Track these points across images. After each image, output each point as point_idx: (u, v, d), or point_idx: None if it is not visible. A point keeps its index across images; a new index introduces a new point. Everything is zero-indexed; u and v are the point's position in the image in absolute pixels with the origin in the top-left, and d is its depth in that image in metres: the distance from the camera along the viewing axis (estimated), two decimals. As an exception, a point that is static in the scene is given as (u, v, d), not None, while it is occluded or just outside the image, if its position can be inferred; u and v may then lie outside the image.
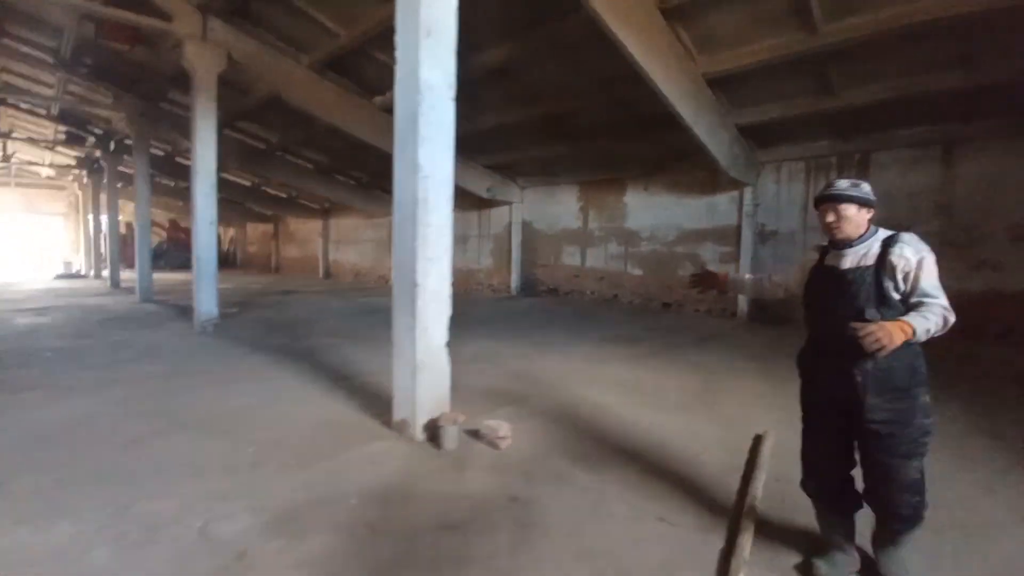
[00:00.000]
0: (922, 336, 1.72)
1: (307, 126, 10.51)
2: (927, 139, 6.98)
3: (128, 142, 14.89)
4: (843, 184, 1.93)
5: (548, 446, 3.18)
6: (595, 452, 3.12)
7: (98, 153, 15.08)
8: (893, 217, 7.26)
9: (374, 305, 10.43)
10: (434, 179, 3.10)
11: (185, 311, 8.73)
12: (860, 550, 2.05)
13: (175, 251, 23.95)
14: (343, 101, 8.57)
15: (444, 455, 3.04)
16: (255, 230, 24.45)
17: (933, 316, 1.73)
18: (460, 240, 13.83)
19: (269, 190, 17.74)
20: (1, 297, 11.25)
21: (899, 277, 1.81)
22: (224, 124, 11.61)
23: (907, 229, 1.96)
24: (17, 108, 12.93)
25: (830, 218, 1.92)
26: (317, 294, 12.97)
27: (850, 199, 1.89)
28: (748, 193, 8.55)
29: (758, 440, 3.24)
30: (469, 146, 9.94)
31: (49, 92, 11.57)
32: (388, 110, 9.11)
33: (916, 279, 1.80)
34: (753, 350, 6.06)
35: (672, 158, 9.09)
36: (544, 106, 8.02)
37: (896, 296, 1.82)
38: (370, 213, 16.25)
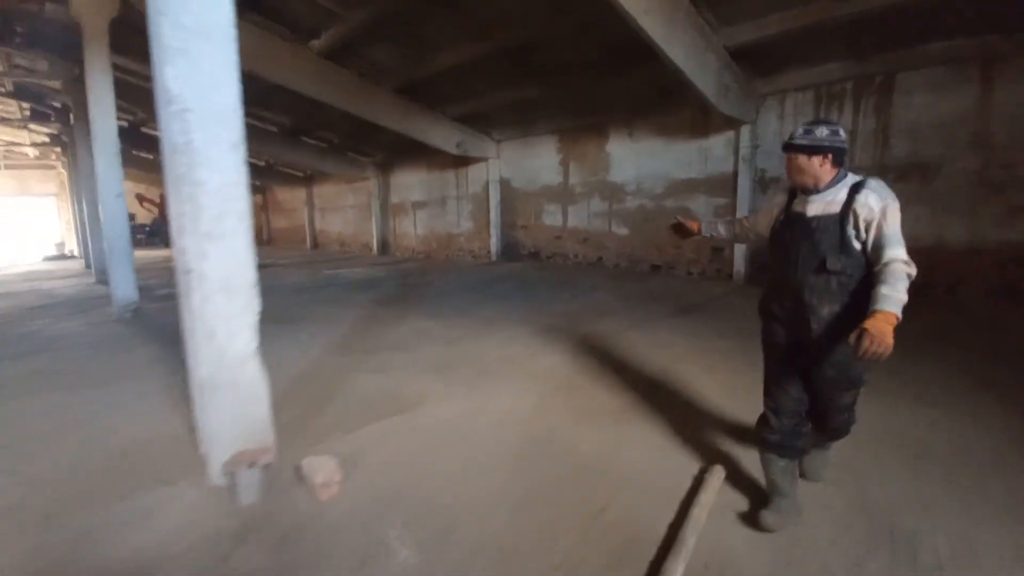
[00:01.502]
0: (902, 305, 1.66)
1: (249, 82, 9.41)
2: (962, 55, 5.56)
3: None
4: (798, 131, 1.88)
5: (392, 493, 2.28)
6: (455, 505, 2.21)
7: (59, 129, 14.28)
8: (920, 153, 5.95)
9: (333, 279, 9.58)
10: (199, 114, 2.09)
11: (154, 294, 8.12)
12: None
13: (166, 227, 23.52)
14: (270, 47, 7.43)
15: (238, 511, 2.18)
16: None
17: (901, 283, 1.68)
18: (438, 202, 12.79)
19: (249, 159, 16.77)
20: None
21: (861, 226, 1.79)
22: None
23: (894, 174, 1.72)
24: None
25: (788, 166, 1.93)
26: (288, 267, 12.20)
27: (799, 148, 1.86)
28: (745, 133, 7.24)
29: (699, 481, 2.28)
30: (427, 93, 8.79)
31: (-3, 67, 10.67)
32: (330, 56, 8.04)
33: (879, 228, 1.76)
34: (740, 322, 5.00)
35: (656, 96, 7.77)
36: (498, 37, 6.76)
37: (857, 245, 1.81)
38: (349, 178, 15.25)
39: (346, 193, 16.24)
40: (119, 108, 12.09)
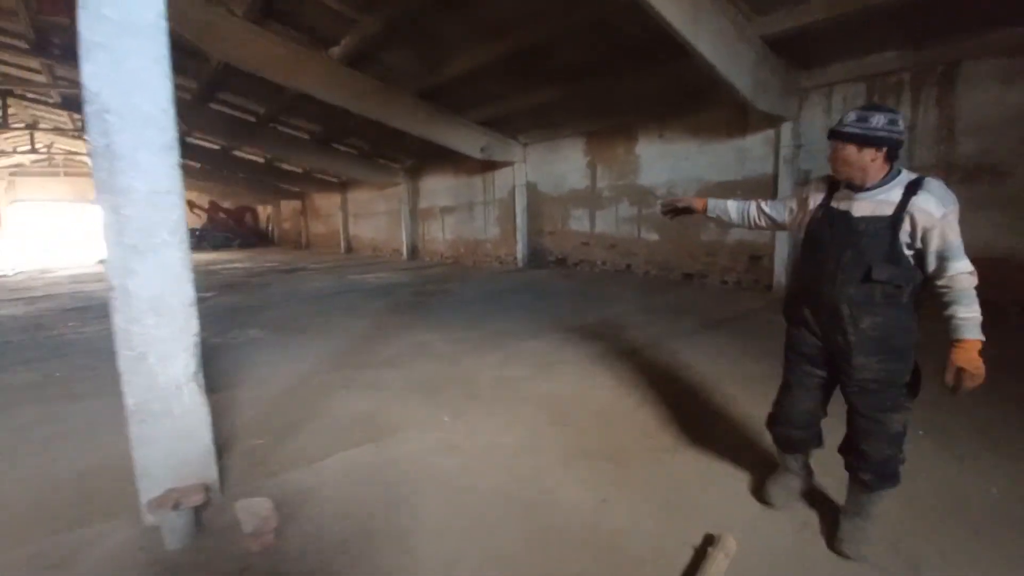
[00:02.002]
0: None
1: (278, 91, 9.49)
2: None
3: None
4: (849, 117, 1.62)
5: (337, 543, 1.98)
6: (397, 572, 1.88)
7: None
8: (990, 152, 5.22)
9: (355, 284, 9.50)
10: (121, 115, 1.86)
11: None
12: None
13: (214, 232, 24.56)
14: (289, 54, 7.40)
15: (164, 557, 1.93)
16: (288, 207, 24.41)
17: (975, 302, 1.55)
18: (466, 208, 12.60)
19: (284, 166, 17.22)
20: (14, 284, 11.43)
21: (918, 233, 1.57)
22: (205, 98, 10.95)
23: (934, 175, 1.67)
24: (24, 99, 12.89)
25: (831, 156, 1.70)
26: (318, 271, 12.28)
27: (849, 137, 1.61)
28: (786, 131, 6.62)
29: (701, 552, 1.87)
30: (448, 97, 8.59)
31: (43, 79, 11.30)
32: (350, 63, 7.97)
33: (942, 238, 1.55)
34: (774, 342, 4.42)
35: (688, 94, 7.25)
36: (511, 39, 6.45)
37: (909, 253, 1.60)
38: (381, 184, 15.31)
39: (378, 199, 16.34)
40: (192, 126, 12.61)
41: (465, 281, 9.54)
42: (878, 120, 1.58)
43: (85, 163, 22.18)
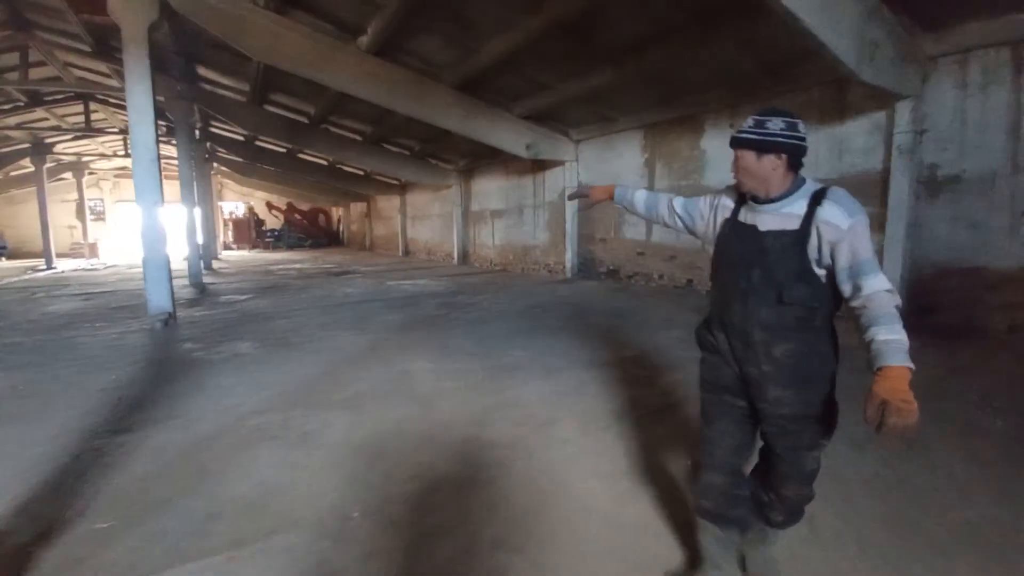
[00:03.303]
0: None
1: (322, 89, 9.15)
2: None
3: (214, 129, 15.53)
4: (747, 123, 1.50)
5: None
6: None
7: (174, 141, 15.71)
8: None
9: (387, 292, 8.91)
10: None
11: (199, 300, 8.46)
12: None
13: (290, 232, 25.70)
14: (316, 46, 6.92)
15: None
16: (356, 209, 24.94)
17: (898, 322, 1.36)
18: (515, 211, 11.71)
19: (346, 168, 17.33)
20: (91, 279, 12.15)
21: (825, 249, 1.42)
22: (259, 99, 10.97)
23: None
24: (107, 104, 13.77)
25: (733, 167, 1.56)
26: (364, 275, 11.96)
27: (746, 143, 1.49)
28: (903, 112, 5.06)
29: None
30: (488, 88, 7.74)
31: (116, 83, 11.90)
32: (379, 53, 7.37)
33: (852, 253, 1.39)
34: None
35: (765, 71, 5.85)
36: (550, 9, 5.45)
37: (820, 272, 1.46)
38: (436, 186, 14.85)
39: (433, 202, 15.93)
40: (227, 122, 12.95)
41: (503, 292, 8.64)
42: (775, 124, 1.45)
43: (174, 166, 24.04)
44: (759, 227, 1.52)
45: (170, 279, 6.49)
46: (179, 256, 20.79)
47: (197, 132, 15.10)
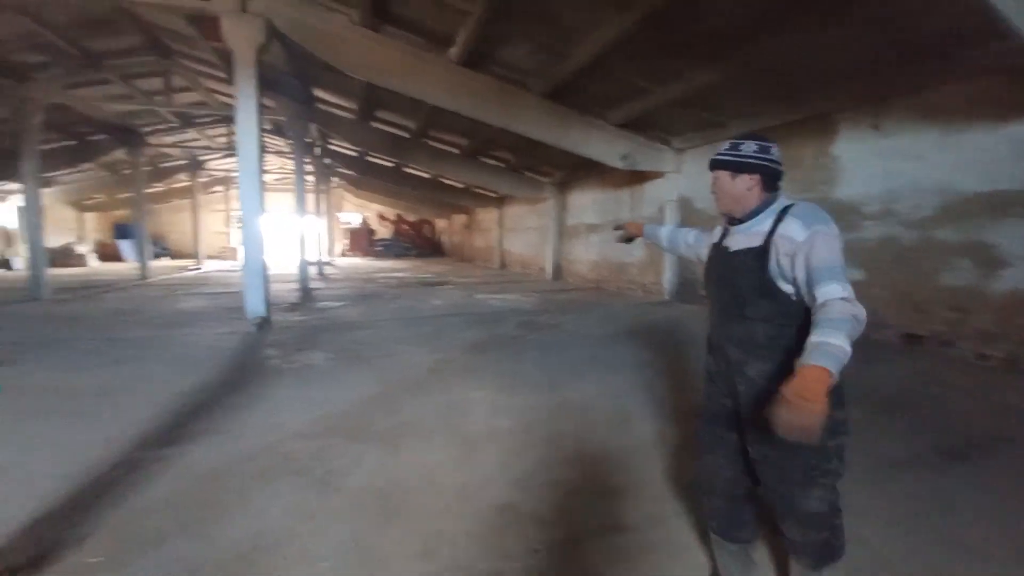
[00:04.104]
0: (843, 361, 1.23)
1: (420, 105, 9.32)
2: None
3: (332, 145, 16.82)
4: (723, 145, 1.60)
5: None
6: None
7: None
8: None
9: (471, 307, 8.70)
10: None
11: (300, 304, 8.94)
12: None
13: (398, 242, 27.17)
14: (408, 59, 6.97)
15: None
16: (458, 221, 25.67)
17: (839, 328, 1.26)
18: (611, 226, 10.99)
19: (446, 180, 17.81)
20: (219, 280, 13.60)
21: (783, 261, 1.43)
22: (366, 117, 11.56)
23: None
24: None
25: (714, 191, 1.63)
26: (455, 287, 12.00)
27: (723, 164, 1.58)
28: None
29: None
30: (579, 96, 7.29)
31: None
32: (467, 64, 7.24)
33: (807, 261, 1.37)
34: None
35: (911, 57, 4.68)
36: (642, 2, 4.84)
37: (788, 288, 1.45)
38: (532, 199, 14.62)
39: (529, 215, 15.71)
40: (342, 139, 13.89)
41: (591, 313, 8.02)
42: (748, 147, 1.53)
43: (309, 181, 26.66)
44: (730, 248, 1.58)
45: (266, 285, 6.83)
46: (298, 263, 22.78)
47: (318, 149, 16.48)
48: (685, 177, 8.61)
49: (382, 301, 9.52)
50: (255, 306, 6.69)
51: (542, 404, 3.69)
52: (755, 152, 1.52)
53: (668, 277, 8.98)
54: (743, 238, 1.55)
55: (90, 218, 23.23)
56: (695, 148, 8.29)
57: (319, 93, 11.03)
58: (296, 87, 10.56)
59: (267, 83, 10.65)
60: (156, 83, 11.48)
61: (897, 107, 5.34)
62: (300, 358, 5.10)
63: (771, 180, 1.53)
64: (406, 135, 12.30)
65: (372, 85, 8.36)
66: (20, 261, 16.14)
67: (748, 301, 1.49)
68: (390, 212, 28.30)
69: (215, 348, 5.57)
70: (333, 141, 15.94)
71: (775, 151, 1.54)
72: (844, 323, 1.26)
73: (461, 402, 3.71)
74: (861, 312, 1.30)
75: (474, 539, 2.08)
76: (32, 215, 9.99)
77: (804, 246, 1.38)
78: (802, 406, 1.16)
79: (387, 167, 17.43)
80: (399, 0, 6.36)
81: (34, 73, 9.53)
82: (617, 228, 2.39)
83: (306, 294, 10.61)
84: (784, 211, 1.47)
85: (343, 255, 26.87)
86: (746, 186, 1.52)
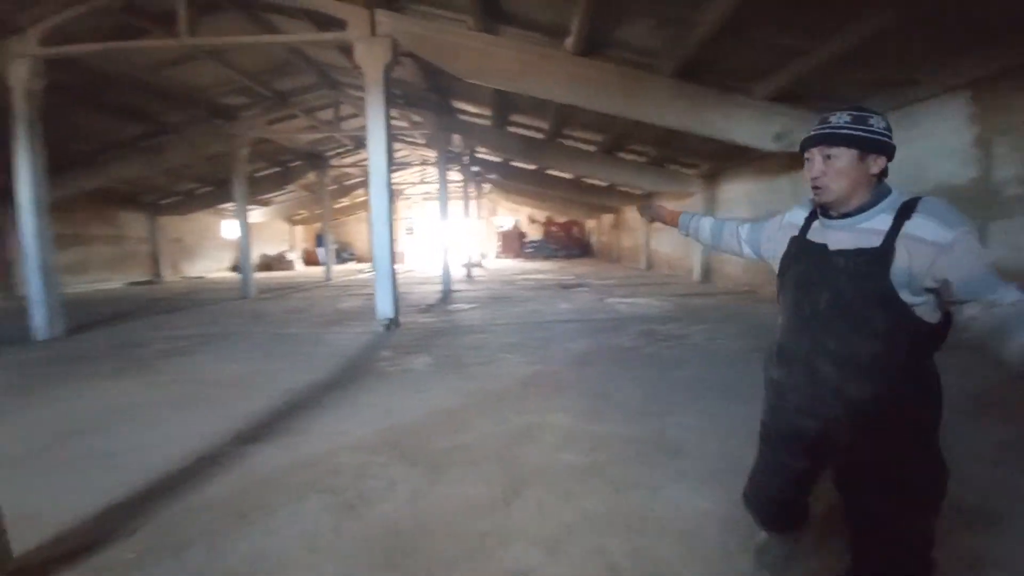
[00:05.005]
0: None
1: (546, 104, 9.09)
2: None
3: (479, 154, 17.63)
4: (842, 118, 1.27)
5: None
6: None
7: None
8: None
9: (600, 311, 8.15)
10: None
11: (434, 307, 9.41)
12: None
13: (546, 243, 27.49)
14: (522, 57, 6.76)
15: None
16: (606, 221, 24.92)
17: None
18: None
19: (589, 180, 17.31)
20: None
21: (917, 270, 1.18)
22: (500, 122, 11.76)
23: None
24: (404, 141, 17.04)
25: (815, 170, 1.32)
26: (591, 289, 11.52)
27: (849, 140, 1.26)
28: None
29: None
30: (715, 70, 6.40)
31: (404, 124, 14.37)
32: (586, 51, 6.74)
33: (960, 270, 1.15)
34: None
35: None
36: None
37: (911, 299, 1.21)
38: (678, 195, 13.35)
39: (676, 211, 14.41)
40: (482, 146, 14.42)
41: (728, 323, 6.87)
42: (879, 122, 1.27)
43: (459, 189, 28.59)
44: (829, 246, 1.33)
45: (395, 288, 7.27)
46: (456, 265, 24.45)
47: (466, 157, 17.41)
48: (864, 155, 6.83)
49: (511, 304, 9.51)
50: (384, 308, 7.15)
51: (626, 437, 3.11)
52: (885, 129, 1.27)
53: (841, 280, 7.25)
54: (848, 236, 1.29)
55: (299, 230, 28.18)
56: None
57: (457, 104, 11.53)
58: (435, 101, 11.19)
59: (410, 100, 11.52)
60: (330, 113, 13.25)
61: None
62: (405, 362, 5.23)
63: (886, 167, 1.29)
64: (540, 136, 12.19)
65: (500, 90, 8.40)
66: (247, 267, 20.11)
67: (855, 311, 1.27)
68: (540, 215, 28.81)
69: (344, 347, 6.05)
70: (481, 149, 16.66)
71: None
72: None
73: (533, 426, 3.32)
74: None
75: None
76: (242, 229, 12.31)
77: (949, 251, 1.15)
78: None
79: (530, 171, 17.64)
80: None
81: (240, 113, 11.73)
82: (645, 212, 2.11)
83: (446, 296, 11.16)
84: (908, 207, 1.22)
85: (496, 257, 28.12)
86: (873, 169, 1.27)
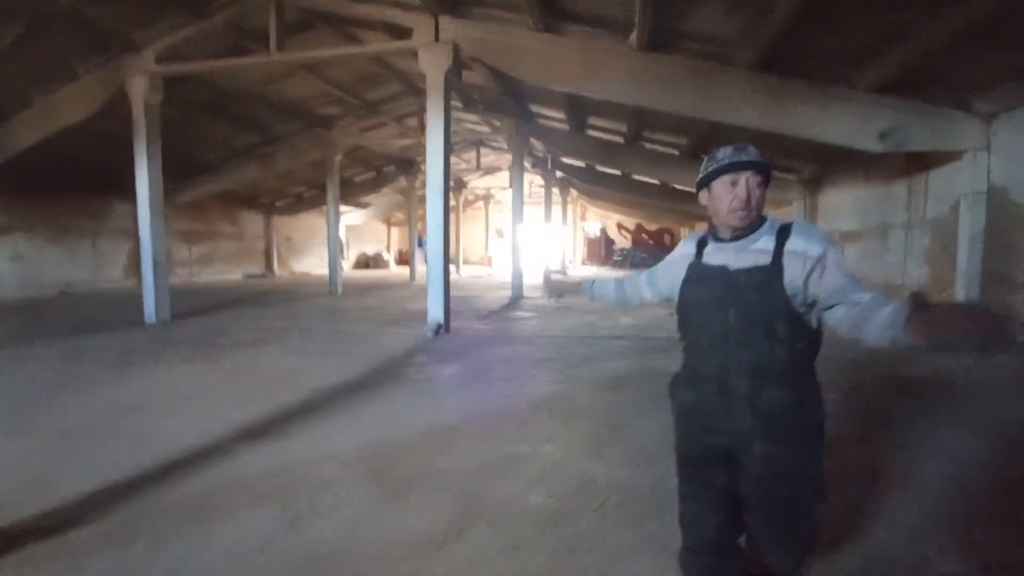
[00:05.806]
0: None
1: (623, 106, 8.62)
2: None
3: (565, 159, 17.36)
4: (745, 151, 1.41)
5: None
6: None
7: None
8: None
9: (659, 332, 7.52)
10: None
11: (495, 313, 9.45)
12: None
13: (635, 251, 26.40)
14: (584, 56, 6.44)
15: None
16: (699, 229, 23.30)
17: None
18: (877, 232, 8.13)
19: (676, 186, 16.24)
20: (464, 284, 15.45)
21: (799, 280, 1.34)
22: (577, 126, 11.43)
23: None
24: (490, 147, 17.25)
25: (739, 195, 1.38)
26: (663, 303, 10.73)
27: (766, 168, 1.41)
28: None
29: None
30: (802, 58, 5.66)
31: (486, 129, 14.55)
32: (651, 48, 6.23)
33: (830, 276, 1.32)
34: None
35: None
36: None
37: (802, 308, 1.36)
38: (774, 201, 11.99)
39: (774, 219, 12.99)
40: (560, 151, 14.13)
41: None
42: (754, 150, 1.41)
43: (538, 194, 28.34)
44: (729, 266, 1.44)
45: (447, 293, 7.30)
46: (536, 271, 24.33)
47: (549, 163, 17.23)
48: (1000, 155, 5.54)
49: (571, 314, 9.14)
50: (435, 312, 7.21)
51: (615, 483, 2.71)
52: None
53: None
54: (744, 256, 1.41)
55: (395, 231, 29.89)
56: (1013, 112, 5.23)
57: (533, 108, 11.40)
58: (511, 105, 11.14)
59: (488, 105, 11.59)
60: (416, 121, 13.80)
61: None
62: (433, 371, 5.17)
63: None
64: (619, 140, 11.65)
65: (572, 94, 8.12)
66: (345, 264, 21.69)
67: (764, 321, 1.36)
68: (629, 222, 27.77)
69: (387, 349, 6.17)
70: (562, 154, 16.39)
71: None
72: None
73: (518, 457, 3.04)
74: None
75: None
76: (332, 231, 13.24)
77: (823, 261, 1.32)
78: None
79: (615, 176, 16.99)
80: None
81: (335, 122, 12.63)
82: (547, 288, 2.15)
83: (513, 302, 11.07)
84: (785, 229, 1.40)
85: (581, 264, 27.58)
86: (765, 192, 1.43)
